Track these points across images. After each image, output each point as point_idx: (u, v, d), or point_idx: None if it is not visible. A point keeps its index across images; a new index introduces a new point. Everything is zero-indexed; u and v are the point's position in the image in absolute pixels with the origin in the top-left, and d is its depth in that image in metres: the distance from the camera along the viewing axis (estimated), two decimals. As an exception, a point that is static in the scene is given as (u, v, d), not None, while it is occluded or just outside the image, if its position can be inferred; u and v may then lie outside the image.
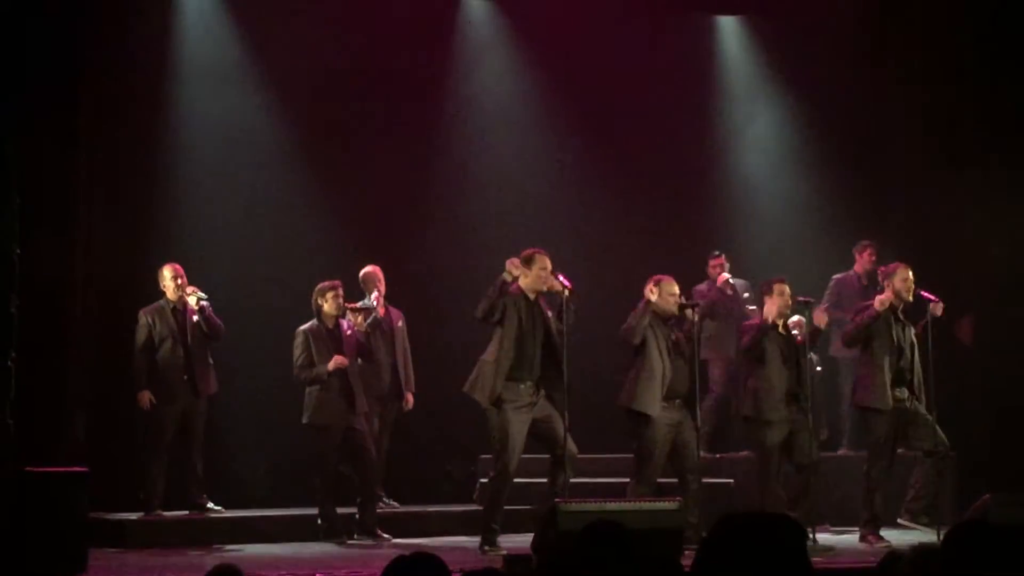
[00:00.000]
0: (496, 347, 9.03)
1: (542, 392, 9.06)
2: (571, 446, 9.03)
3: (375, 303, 10.60)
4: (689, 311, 9.38)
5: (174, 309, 10.19)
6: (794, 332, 9.67)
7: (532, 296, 9.12)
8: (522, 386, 9.00)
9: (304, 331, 9.98)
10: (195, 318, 10.15)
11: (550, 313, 9.13)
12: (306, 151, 11.64)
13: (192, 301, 10.12)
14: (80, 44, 9.86)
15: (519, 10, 12.35)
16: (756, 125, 12.84)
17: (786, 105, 12.68)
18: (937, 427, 9.63)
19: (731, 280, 11.68)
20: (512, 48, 12.33)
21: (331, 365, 9.82)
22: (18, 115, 8.93)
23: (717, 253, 11.74)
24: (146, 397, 10.03)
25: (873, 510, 9.65)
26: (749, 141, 12.85)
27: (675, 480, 9.36)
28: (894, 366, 9.65)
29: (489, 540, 9.00)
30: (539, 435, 9.07)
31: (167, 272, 10.19)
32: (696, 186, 12.60)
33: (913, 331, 9.70)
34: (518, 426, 8.96)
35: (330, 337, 9.98)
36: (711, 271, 11.71)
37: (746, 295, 11.61)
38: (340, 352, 9.94)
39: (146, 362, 10.09)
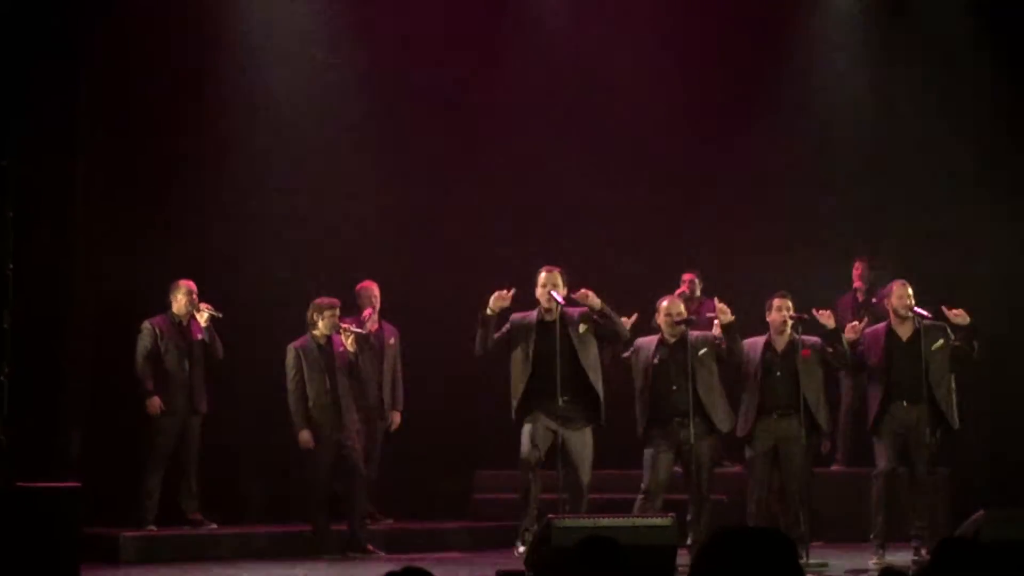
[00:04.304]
0: (511, 374, 9.03)
1: (575, 409, 9.00)
2: (582, 476, 8.98)
3: (367, 330, 10.55)
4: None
5: (180, 324, 10.19)
6: (807, 343, 9.64)
7: (549, 316, 9.09)
8: (554, 403, 8.91)
9: (295, 348, 9.98)
10: (200, 336, 10.16)
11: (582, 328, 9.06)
12: (303, 166, 11.63)
13: (203, 318, 10.12)
14: (76, 57, 9.85)
15: (514, 24, 12.35)
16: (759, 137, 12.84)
17: (783, 119, 12.69)
18: (929, 452, 9.60)
19: (698, 294, 11.65)
20: (508, 61, 12.32)
21: (301, 442, 9.82)
22: (12, 128, 8.93)
23: (688, 269, 11.75)
24: (156, 403, 10.00)
25: (879, 526, 9.62)
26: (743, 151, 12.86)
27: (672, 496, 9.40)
28: (900, 386, 9.62)
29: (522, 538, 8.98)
30: (561, 454, 9.02)
31: (182, 287, 10.19)
32: (690, 195, 12.60)
33: (931, 346, 9.62)
34: (539, 432, 8.94)
35: (321, 353, 9.98)
36: (683, 286, 11.70)
37: (710, 315, 11.58)
38: (331, 367, 9.93)
39: (151, 369, 10.07)
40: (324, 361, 9.96)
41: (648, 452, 9.27)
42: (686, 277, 11.69)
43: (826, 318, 9.54)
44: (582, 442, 8.99)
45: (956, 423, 9.63)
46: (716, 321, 9.61)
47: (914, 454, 9.59)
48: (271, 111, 11.54)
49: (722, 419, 9.36)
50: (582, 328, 9.03)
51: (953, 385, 9.65)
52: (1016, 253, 11.80)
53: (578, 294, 9.06)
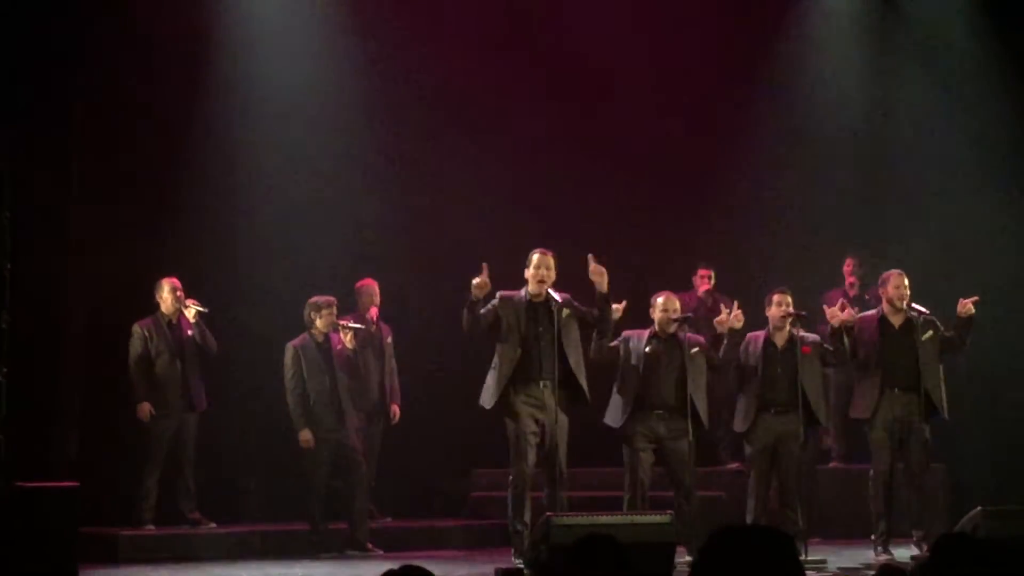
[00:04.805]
0: (496, 355, 9.05)
1: (556, 395, 8.90)
2: (561, 463, 8.94)
3: (372, 328, 10.56)
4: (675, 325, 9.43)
5: (169, 323, 10.19)
6: (807, 339, 9.66)
7: (537, 297, 9.08)
8: (536, 386, 8.93)
9: (293, 347, 9.98)
10: (190, 332, 10.16)
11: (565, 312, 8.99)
12: (298, 163, 11.63)
13: (191, 314, 10.12)
14: (72, 57, 9.85)
15: (510, 19, 12.34)
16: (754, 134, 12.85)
17: (781, 115, 12.70)
18: (926, 445, 9.60)
19: (713, 292, 11.72)
20: (504, 58, 12.32)
21: (302, 441, 9.82)
22: (8, 130, 8.93)
23: (704, 265, 11.79)
24: (146, 408, 10.00)
25: (881, 520, 9.63)
26: (741, 151, 12.87)
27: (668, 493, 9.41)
28: (893, 374, 9.63)
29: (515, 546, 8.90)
30: (539, 443, 8.97)
31: (166, 286, 10.18)
32: (691, 197, 12.61)
33: (922, 336, 9.64)
34: (528, 425, 8.90)
35: (319, 352, 9.98)
36: (697, 282, 11.75)
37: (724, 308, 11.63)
38: (330, 366, 9.93)
39: (142, 374, 10.07)
40: (323, 359, 9.96)
41: (627, 450, 9.27)
42: (704, 273, 11.72)
43: (832, 316, 9.55)
44: (562, 428, 8.98)
45: (946, 414, 9.65)
46: (716, 319, 9.61)
47: (909, 445, 9.59)
48: (267, 110, 11.53)
49: (704, 418, 9.37)
50: (565, 312, 9.02)
51: (942, 375, 9.67)
52: (1016, 252, 11.80)
53: (593, 269, 8.98)
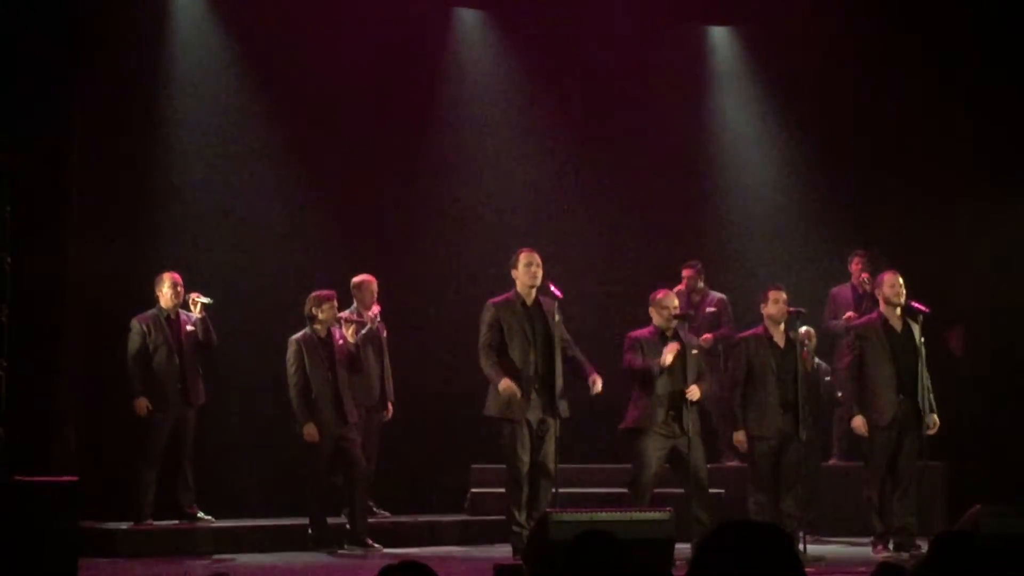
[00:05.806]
0: (504, 360, 9.03)
1: (545, 395, 8.98)
2: (548, 462, 8.99)
3: (375, 324, 10.56)
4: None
5: (167, 318, 10.18)
6: (805, 343, 9.65)
7: (529, 299, 9.09)
8: (531, 388, 8.96)
9: (296, 341, 9.97)
10: (189, 327, 10.16)
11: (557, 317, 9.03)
12: (298, 162, 11.64)
13: (197, 308, 10.10)
14: (72, 53, 9.85)
15: (511, 19, 12.37)
16: (747, 133, 12.86)
17: (778, 113, 12.71)
18: (920, 448, 9.61)
19: (702, 286, 11.69)
20: (504, 58, 12.35)
21: (306, 436, 9.80)
22: (8, 123, 8.92)
23: (692, 263, 11.77)
24: (143, 404, 10.00)
25: (878, 522, 9.62)
26: (741, 150, 12.87)
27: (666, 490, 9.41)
28: (892, 378, 9.61)
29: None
30: (531, 442, 9.03)
31: (166, 280, 10.17)
32: (687, 194, 12.63)
33: (918, 336, 9.65)
34: (522, 426, 8.93)
35: (322, 346, 9.98)
36: (682, 283, 11.74)
37: (710, 310, 11.61)
38: (331, 361, 9.93)
39: (140, 369, 10.07)
40: (325, 354, 9.96)
41: (638, 445, 9.28)
42: (685, 273, 11.71)
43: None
44: (554, 431, 9.00)
45: (935, 423, 9.67)
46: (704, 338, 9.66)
47: (904, 445, 9.58)
48: (265, 108, 11.54)
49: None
50: (557, 317, 9.02)
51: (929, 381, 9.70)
52: (1015, 250, 11.80)
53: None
